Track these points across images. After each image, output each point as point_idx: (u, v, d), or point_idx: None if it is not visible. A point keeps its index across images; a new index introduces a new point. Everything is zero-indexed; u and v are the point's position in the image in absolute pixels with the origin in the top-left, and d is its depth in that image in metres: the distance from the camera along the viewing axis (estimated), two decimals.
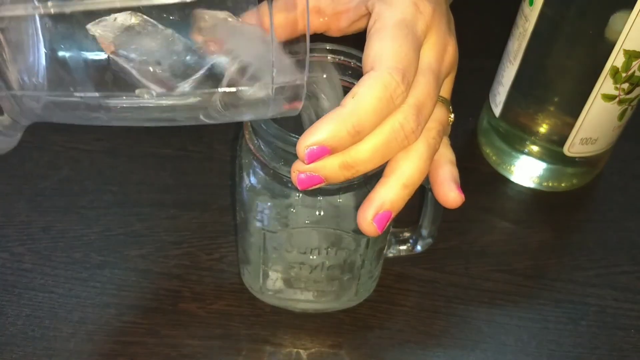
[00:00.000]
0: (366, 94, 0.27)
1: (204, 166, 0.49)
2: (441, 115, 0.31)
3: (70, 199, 0.46)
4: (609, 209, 0.50)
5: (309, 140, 0.27)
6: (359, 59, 0.34)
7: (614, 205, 0.50)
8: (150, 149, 0.50)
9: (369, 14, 0.30)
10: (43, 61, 0.26)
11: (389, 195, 0.29)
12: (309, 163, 0.27)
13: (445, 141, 0.33)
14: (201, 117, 0.29)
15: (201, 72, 0.27)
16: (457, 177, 0.32)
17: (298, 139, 0.30)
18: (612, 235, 0.48)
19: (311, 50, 0.34)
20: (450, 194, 0.32)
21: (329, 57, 0.34)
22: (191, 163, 0.50)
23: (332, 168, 0.28)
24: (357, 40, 0.35)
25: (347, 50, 0.34)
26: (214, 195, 0.47)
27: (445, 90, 0.32)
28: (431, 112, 0.29)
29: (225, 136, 0.51)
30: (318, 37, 0.34)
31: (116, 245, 0.44)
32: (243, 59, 0.27)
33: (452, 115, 0.33)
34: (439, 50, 0.30)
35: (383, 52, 0.27)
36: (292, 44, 0.28)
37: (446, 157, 0.33)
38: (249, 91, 0.28)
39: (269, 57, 0.27)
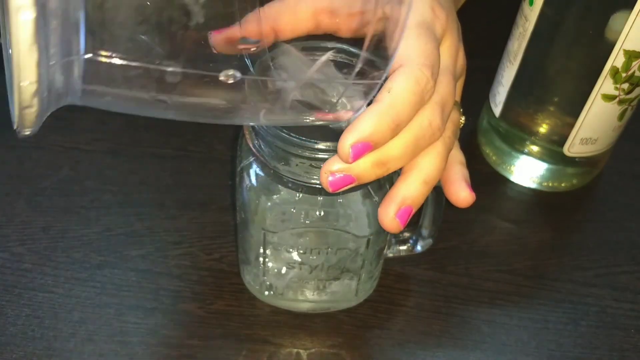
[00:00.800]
0: (401, 89, 0.27)
1: (204, 166, 0.49)
2: (455, 117, 0.32)
3: (70, 199, 0.46)
4: (609, 209, 0.50)
5: (353, 137, 0.27)
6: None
7: (614, 205, 0.50)
8: (150, 149, 0.50)
9: (385, 18, 0.30)
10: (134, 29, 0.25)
11: (410, 191, 0.30)
12: (353, 160, 0.27)
13: (456, 143, 0.33)
14: (261, 115, 0.29)
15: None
16: (467, 177, 0.33)
17: (298, 138, 0.30)
18: (612, 235, 0.48)
19: (310, 49, 0.34)
20: (461, 193, 0.33)
21: (330, 56, 0.34)
22: (191, 163, 0.50)
23: (365, 166, 0.28)
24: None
25: (347, 48, 0.34)
26: (214, 195, 0.47)
27: (457, 94, 0.33)
28: (450, 111, 0.30)
29: (225, 136, 0.51)
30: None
31: (116, 245, 0.44)
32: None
33: (463, 118, 0.33)
34: (453, 53, 0.31)
35: (410, 50, 0.28)
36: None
37: (456, 158, 0.34)
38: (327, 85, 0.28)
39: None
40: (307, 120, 0.30)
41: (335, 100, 0.29)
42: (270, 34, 0.31)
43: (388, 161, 0.28)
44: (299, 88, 0.29)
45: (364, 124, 0.27)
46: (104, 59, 0.24)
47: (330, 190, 0.28)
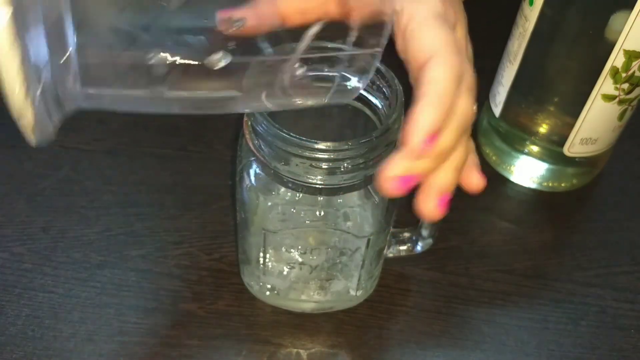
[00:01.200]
0: (442, 78, 0.27)
1: (204, 166, 0.49)
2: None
3: (70, 199, 0.46)
4: (609, 209, 0.50)
5: (421, 133, 0.27)
6: None
7: (614, 205, 0.50)
8: (150, 149, 0.50)
9: (393, 12, 0.31)
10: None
11: (446, 179, 0.30)
12: (428, 152, 0.27)
13: None
14: (263, 97, 0.28)
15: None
16: (478, 163, 0.34)
17: (298, 138, 0.30)
18: (612, 235, 0.48)
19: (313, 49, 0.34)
20: (473, 178, 0.33)
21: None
22: (191, 163, 0.50)
23: (429, 163, 0.28)
24: None
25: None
26: (214, 195, 0.47)
27: None
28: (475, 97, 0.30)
29: (225, 136, 0.51)
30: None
31: (116, 245, 0.44)
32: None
33: (476, 106, 0.34)
34: (465, 43, 0.31)
35: (436, 41, 0.28)
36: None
37: None
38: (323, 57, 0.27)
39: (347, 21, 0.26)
40: (311, 100, 0.30)
41: (334, 75, 0.29)
42: (277, 19, 0.31)
43: (444, 151, 0.28)
44: (295, 64, 0.29)
45: (425, 118, 0.27)
46: (91, 54, 0.23)
47: (397, 194, 0.28)
